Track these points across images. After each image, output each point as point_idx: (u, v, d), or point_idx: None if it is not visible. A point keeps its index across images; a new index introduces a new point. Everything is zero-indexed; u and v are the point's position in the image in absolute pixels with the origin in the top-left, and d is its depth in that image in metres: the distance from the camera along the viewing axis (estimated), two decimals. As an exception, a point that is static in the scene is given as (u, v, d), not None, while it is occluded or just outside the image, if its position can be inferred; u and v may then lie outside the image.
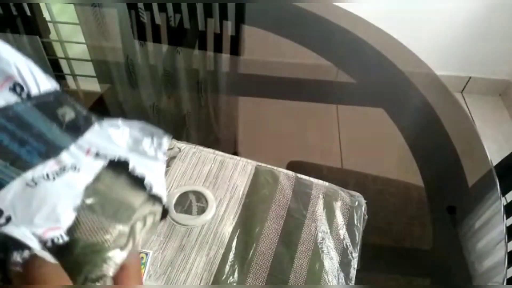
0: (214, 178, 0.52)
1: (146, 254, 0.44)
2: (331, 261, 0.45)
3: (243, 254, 0.45)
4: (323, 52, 0.80)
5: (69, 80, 0.76)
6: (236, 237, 0.46)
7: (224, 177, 0.52)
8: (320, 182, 0.53)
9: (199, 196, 0.50)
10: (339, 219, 0.49)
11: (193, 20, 0.86)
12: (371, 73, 0.78)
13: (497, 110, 1.85)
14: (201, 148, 0.55)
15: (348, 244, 0.47)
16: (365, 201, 0.51)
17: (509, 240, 0.54)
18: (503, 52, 1.72)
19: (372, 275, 0.49)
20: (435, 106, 0.70)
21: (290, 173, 0.53)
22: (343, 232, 0.48)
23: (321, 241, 0.46)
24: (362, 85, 0.76)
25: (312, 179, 0.53)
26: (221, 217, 0.48)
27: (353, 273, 0.45)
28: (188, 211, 0.48)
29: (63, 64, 0.78)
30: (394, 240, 0.53)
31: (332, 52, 0.81)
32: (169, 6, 0.87)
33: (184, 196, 0.50)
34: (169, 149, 0.54)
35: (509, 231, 0.57)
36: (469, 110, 1.82)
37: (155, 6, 0.86)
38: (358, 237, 0.48)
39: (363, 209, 0.50)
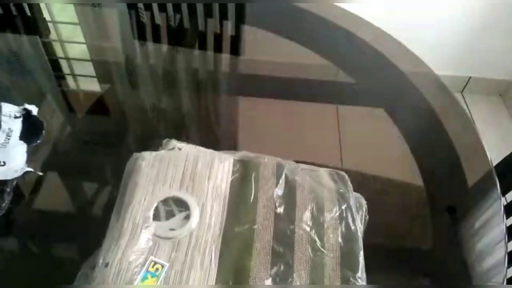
0: (191, 180, 0.47)
1: (162, 266, 0.41)
2: (331, 260, 0.43)
3: (239, 260, 0.42)
4: (323, 52, 0.80)
5: (69, 80, 0.76)
6: (227, 244, 0.43)
7: (202, 177, 0.47)
8: (316, 170, 0.51)
9: (180, 203, 0.45)
10: (336, 218, 0.47)
11: (193, 20, 0.86)
12: (371, 73, 0.78)
13: (497, 110, 1.84)
14: (201, 148, 0.52)
15: (347, 244, 0.45)
16: (366, 202, 0.51)
17: (509, 240, 0.54)
18: (503, 52, 1.72)
19: (372, 275, 0.49)
20: (435, 106, 0.70)
21: (292, 164, 0.51)
22: (340, 232, 0.45)
23: (317, 240, 0.44)
24: (362, 85, 0.76)
25: (302, 165, 0.51)
26: (208, 223, 0.44)
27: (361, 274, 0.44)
28: (169, 221, 0.44)
29: (63, 64, 0.78)
30: (394, 240, 0.53)
31: (332, 52, 0.81)
32: (169, 6, 0.87)
33: (164, 204, 0.45)
34: (170, 149, 0.52)
35: (509, 231, 0.57)
36: (469, 110, 1.82)
37: (155, 6, 0.86)
38: (359, 238, 0.46)
39: (364, 209, 0.50)
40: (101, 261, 0.41)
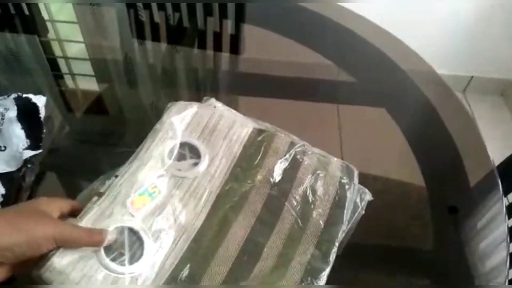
0: (209, 134, 0.51)
1: (160, 191, 0.45)
2: (307, 240, 0.45)
3: (225, 217, 0.46)
4: (324, 51, 0.80)
5: (68, 79, 0.76)
6: (222, 198, 0.47)
7: (220, 134, 0.51)
8: (324, 156, 0.53)
9: (194, 150, 0.50)
10: (326, 192, 0.49)
11: (193, 18, 0.86)
12: (372, 72, 0.78)
13: (499, 110, 1.84)
14: (233, 111, 0.55)
15: (327, 231, 0.46)
16: (371, 198, 0.50)
17: (511, 241, 0.54)
18: (505, 51, 1.71)
19: (372, 275, 0.48)
20: (437, 106, 0.69)
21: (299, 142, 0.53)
22: (327, 217, 0.47)
23: (301, 217, 0.46)
24: (363, 84, 0.76)
25: (315, 150, 0.53)
26: (212, 175, 0.48)
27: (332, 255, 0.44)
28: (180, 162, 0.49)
29: (62, 63, 0.78)
30: (394, 240, 0.52)
31: (333, 51, 0.81)
32: (168, 5, 0.86)
33: (180, 147, 0.50)
34: (207, 105, 0.55)
35: (511, 231, 0.57)
36: (471, 109, 1.82)
37: (154, 5, 0.85)
38: (341, 230, 0.46)
39: (363, 204, 0.49)
40: (115, 174, 0.46)
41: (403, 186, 0.59)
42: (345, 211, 0.47)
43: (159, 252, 0.42)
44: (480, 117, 1.75)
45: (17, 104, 0.57)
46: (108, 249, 0.40)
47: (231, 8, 0.86)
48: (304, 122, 0.67)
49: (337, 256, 0.46)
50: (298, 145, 0.52)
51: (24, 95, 0.59)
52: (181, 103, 0.53)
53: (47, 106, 0.60)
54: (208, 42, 0.83)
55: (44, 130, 0.58)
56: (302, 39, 0.82)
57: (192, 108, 0.53)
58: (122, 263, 0.40)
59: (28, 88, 0.65)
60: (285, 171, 0.49)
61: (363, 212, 0.49)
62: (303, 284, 0.42)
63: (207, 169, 0.48)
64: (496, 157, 0.64)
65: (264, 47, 0.83)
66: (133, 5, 0.85)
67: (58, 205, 0.41)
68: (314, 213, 0.47)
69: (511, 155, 0.70)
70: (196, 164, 0.48)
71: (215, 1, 0.85)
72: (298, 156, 0.51)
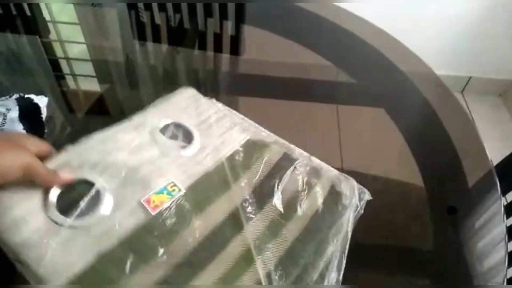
0: (207, 127, 0.52)
1: (179, 189, 0.44)
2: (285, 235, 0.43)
3: (207, 197, 0.44)
4: (323, 52, 0.80)
5: (69, 80, 0.76)
6: (199, 185, 0.45)
7: (216, 131, 0.52)
8: (329, 168, 0.52)
9: (188, 135, 0.50)
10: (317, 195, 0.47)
11: (193, 20, 0.86)
12: (371, 73, 0.78)
13: (497, 110, 1.84)
14: (234, 112, 0.56)
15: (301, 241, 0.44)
16: (370, 198, 0.50)
17: (509, 240, 0.54)
18: (504, 51, 1.72)
19: (372, 275, 0.49)
20: (436, 106, 0.70)
21: (304, 154, 0.52)
22: (307, 224, 0.45)
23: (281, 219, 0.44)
24: (362, 85, 0.76)
25: (323, 164, 0.52)
26: (198, 162, 0.47)
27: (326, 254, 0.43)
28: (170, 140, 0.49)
29: (63, 64, 0.78)
30: (394, 240, 0.53)
31: (332, 52, 0.81)
32: (169, 6, 0.87)
33: (175, 127, 0.50)
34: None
35: (509, 231, 0.57)
36: (469, 110, 1.82)
37: (155, 6, 0.86)
38: (345, 225, 0.45)
39: (361, 203, 0.49)
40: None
41: (402, 186, 0.59)
42: (328, 229, 0.44)
43: (113, 216, 0.40)
44: (479, 118, 1.75)
45: (19, 105, 0.57)
46: (62, 198, 0.40)
47: (231, 9, 0.87)
48: (304, 122, 0.67)
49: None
50: (291, 158, 0.50)
51: (26, 96, 0.59)
52: (192, 91, 0.55)
53: (48, 106, 0.61)
54: (208, 43, 0.84)
55: (46, 131, 0.58)
56: (302, 40, 0.83)
57: (199, 98, 0.54)
58: (68, 215, 0.39)
59: (30, 88, 0.65)
60: (268, 183, 0.47)
61: (362, 211, 0.49)
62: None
63: (194, 155, 0.48)
64: (495, 157, 0.64)
65: (264, 48, 0.83)
66: (134, 6, 0.85)
67: (37, 144, 0.42)
68: (284, 231, 0.44)
69: (510, 155, 0.71)
70: (184, 147, 0.48)
71: (215, 1, 0.85)
72: (288, 170, 0.48)
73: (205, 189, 0.45)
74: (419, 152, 0.62)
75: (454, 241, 0.53)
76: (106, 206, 0.41)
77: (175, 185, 0.44)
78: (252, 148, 0.51)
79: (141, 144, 0.47)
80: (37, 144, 0.42)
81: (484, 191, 0.59)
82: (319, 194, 0.47)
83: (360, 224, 0.49)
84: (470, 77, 1.84)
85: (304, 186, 0.47)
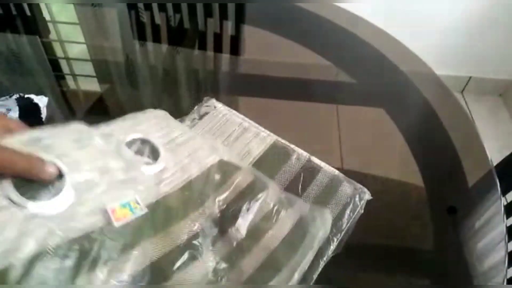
0: (234, 141, 0.57)
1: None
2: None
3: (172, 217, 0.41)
4: (323, 52, 0.80)
5: (69, 80, 0.76)
6: (158, 206, 0.42)
7: (241, 142, 0.57)
8: (330, 168, 0.56)
9: (154, 151, 0.46)
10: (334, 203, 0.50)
11: (193, 20, 0.86)
12: (371, 73, 0.78)
13: (497, 110, 1.85)
14: (233, 111, 0.61)
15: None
16: (370, 197, 0.51)
17: (509, 240, 0.54)
18: (504, 51, 1.72)
19: (372, 275, 0.49)
20: (435, 106, 0.70)
21: (304, 154, 0.57)
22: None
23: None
24: (362, 85, 0.76)
25: (323, 164, 0.56)
26: (160, 181, 0.44)
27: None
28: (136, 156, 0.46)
29: (63, 64, 0.78)
30: (394, 240, 0.53)
31: (332, 52, 0.81)
32: (169, 6, 0.87)
33: (142, 143, 0.47)
34: (206, 105, 0.62)
35: (509, 231, 0.57)
36: (469, 110, 1.82)
37: (155, 6, 0.86)
38: (345, 224, 0.49)
39: (361, 203, 0.50)
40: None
41: (402, 186, 0.59)
42: (289, 262, 0.42)
43: (71, 211, 0.37)
44: (479, 118, 1.75)
45: (19, 105, 0.57)
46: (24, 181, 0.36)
47: (231, 9, 0.87)
48: (304, 122, 0.67)
49: (336, 256, 0.46)
50: (262, 183, 0.47)
51: (26, 96, 0.59)
52: (163, 112, 0.55)
53: (48, 106, 0.61)
54: (208, 43, 0.84)
55: (46, 131, 0.58)
56: (302, 40, 0.83)
57: (169, 118, 0.54)
58: (29, 197, 0.35)
59: (29, 88, 0.65)
60: (233, 207, 0.45)
61: (362, 211, 0.49)
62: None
63: (159, 173, 0.44)
64: (495, 157, 0.64)
65: (264, 48, 0.83)
66: (134, 6, 0.85)
67: (5, 123, 0.37)
68: (244, 260, 0.42)
69: (510, 155, 0.71)
70: (149, 164, 0.45)
71: (215, 1, 0.85)
72: (257, 196, 0.46)
73: (167, 210, 0.42)
74: (419, 152, 0.62)
75: (454, 241, 0.53)
76: (66, 199, 0.37)
77: (137, 202, 0.40)
78: (221, 170, 0.48)
79: (107, 153, 0.43)
80: (5, 124, 0.37)
81: (484, 191, 0.59)
82: (286, 224, 0.45)
83: (360, 224, 0.49)
84: (470, 77, 1.84)
85: (273, 214, 0.45)
